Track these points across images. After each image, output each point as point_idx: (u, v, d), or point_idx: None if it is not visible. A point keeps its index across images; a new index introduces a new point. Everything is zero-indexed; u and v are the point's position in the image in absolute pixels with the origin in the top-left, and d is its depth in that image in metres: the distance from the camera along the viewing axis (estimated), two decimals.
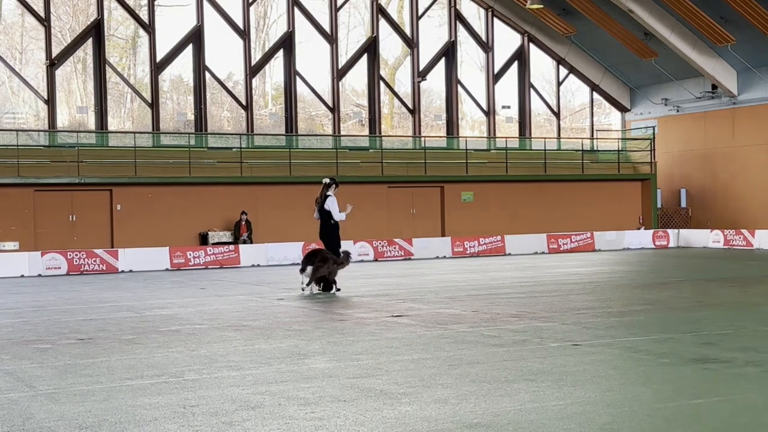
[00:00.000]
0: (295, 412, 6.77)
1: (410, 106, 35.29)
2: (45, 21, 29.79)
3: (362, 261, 27.31)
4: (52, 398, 7.44)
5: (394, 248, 28.49)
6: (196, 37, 31.81)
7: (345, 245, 27.86)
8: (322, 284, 16.63)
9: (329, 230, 17.09)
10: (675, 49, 32.94)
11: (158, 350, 10.02)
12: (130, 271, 24.81)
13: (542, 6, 33.50)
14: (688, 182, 36.54)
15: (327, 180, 17.41)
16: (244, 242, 28.11)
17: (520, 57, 37.05)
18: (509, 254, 29.75)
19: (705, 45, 33.09)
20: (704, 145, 35.82)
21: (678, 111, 36.60)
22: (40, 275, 23.92)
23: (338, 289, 16.76)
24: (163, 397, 7.39)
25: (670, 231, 33.42)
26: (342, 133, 33.84)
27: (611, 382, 7.73)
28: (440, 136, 35.69)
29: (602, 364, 8.66)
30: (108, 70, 30.73)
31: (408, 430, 6.21)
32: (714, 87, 34.72)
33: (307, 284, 16.49)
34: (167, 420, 6.61)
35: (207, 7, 31.88)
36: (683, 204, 36.71)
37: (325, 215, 17.11)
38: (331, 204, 17.03)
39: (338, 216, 17.04)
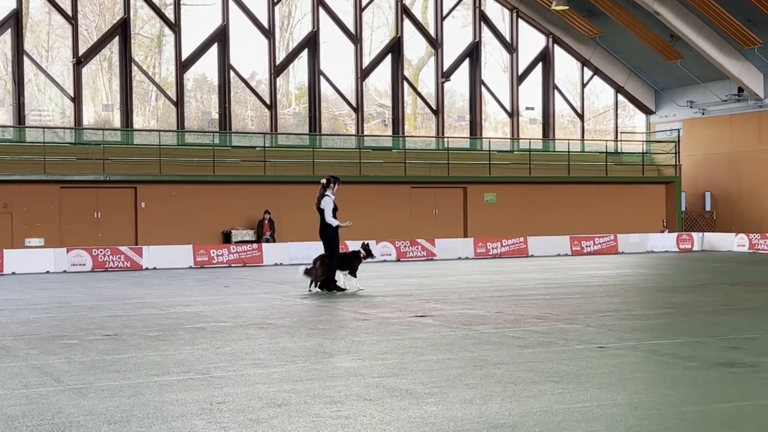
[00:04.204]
0: (321, 411, 6.79)
1: (434, 106, 35.28)
2: (72, 19, 30.03)
3: (385, 261, 27.34)
4: (80, 393, 7.50)
5: (417, 248, 28.48)
6: (221, 36, 31.95)
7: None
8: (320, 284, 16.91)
9: (327, 229, 17.06)
10: (701, 52, 32.73)
11: (184, 347, 10.08)
12: (154, 268, 24.96)
13: (567, 7, 33.39)
14: (713, 185, 36.30)
15: (324, 180, 17.30)
16: (267, 241, 28.19)
17: (545, 58, 36.95)
18: (532, 256, 29.68)
19: (731, 47, 32.86)
20: (730, 148, 35.57)
21: (703, 114, 36.37)
22: (65, 271, 24.10)
23: (342, 289, 16.84)
24: (190, 394, 7.43)
25: (694, 234, 33.20)
26: (365, 133, 33.88)
27: (637, 385, 7.70)
28: (463, 137, 35.66)
29: (628, 366, 8.62)
30: (133, 68, 30.93)
31: (434, 429, 6.22)
32: (740, 90, 34.47)
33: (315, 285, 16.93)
34: (194, 416, 6.65)
35: (232, 7, 32.02)
36: (708, 207, 36.47)
37: (322, 213, 17.06)
38: (326, 204, 16.94)
39: (329, 219, 16.86)
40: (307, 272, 16.95)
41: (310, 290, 16.87)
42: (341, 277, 17.05)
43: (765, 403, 7.00)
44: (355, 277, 17.25)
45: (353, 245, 27.06)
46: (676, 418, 6.50)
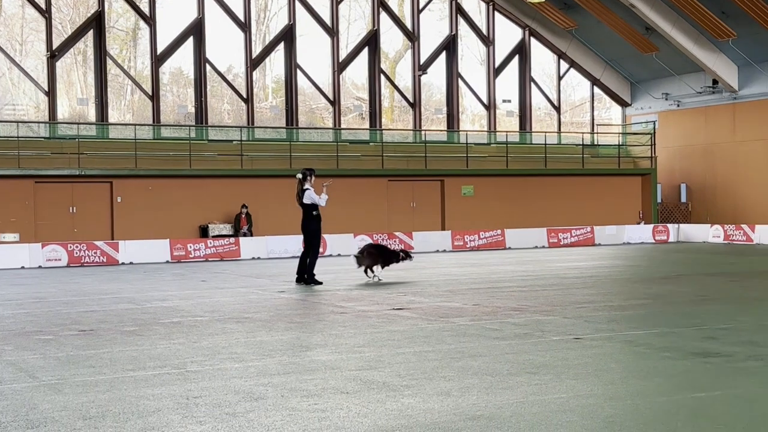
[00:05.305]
0: (298, 404, 6.78)
1: (411, 99, 35.27)
2: (45, 12, 29.76)
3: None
4: (55, 389, 7.45)
5: (395, 242, 28.46)
6: (196, 30, 31.78)
7: (345, 238, 27.99)
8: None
9: (311, 222, 17.13)
10: (676, 44, 32.92)
11: (160, 342, 10.04)
12: (131, 263, 24.82)
13: (543, 0, 33.45)
14: (689, 177, 36.55)
15: (300, 175, 17.34)
16: (245, 235, 28.12)
17: (521, 51, 37.02)
18: (509, 248, 29.77)
19: (706, 40, 33.07)
20: (705, 140, 35.82)
21: (679, 106, 36.60)
22: (40, 267, 23.92)
23: (320, 283, 16.96)
24: (166, 388, 7.40)
25: (670, 226, 33.43)
26: (342, 126, 33.83)
27: (613, 376, 7.75)
28: (441, 130, 35.69)
29: (604, 357, 8.67)
30: (108, 61, 30.71)
31: (411, 422, 6.22)
32: (715, 82, 34.72)
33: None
34: (170, 411, 6.62)
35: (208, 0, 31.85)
36: (683, 199, 36.73)
37: (307, 207, 17.14)
38: (311, 196, 17.03)
39: (322, 202, 17.12)
40: (357, 260, 17.81)
41: (369, 277, 17.60)
42: (378, 270, 17.75)
43: (738, 393, 7.07)
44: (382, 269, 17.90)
45: (337, 238, 27.14)
46: (651, 407, 6.55)
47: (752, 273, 19.00)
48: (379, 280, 17.48)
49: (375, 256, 17.74)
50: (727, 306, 12.97)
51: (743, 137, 34.38)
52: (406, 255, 18.20)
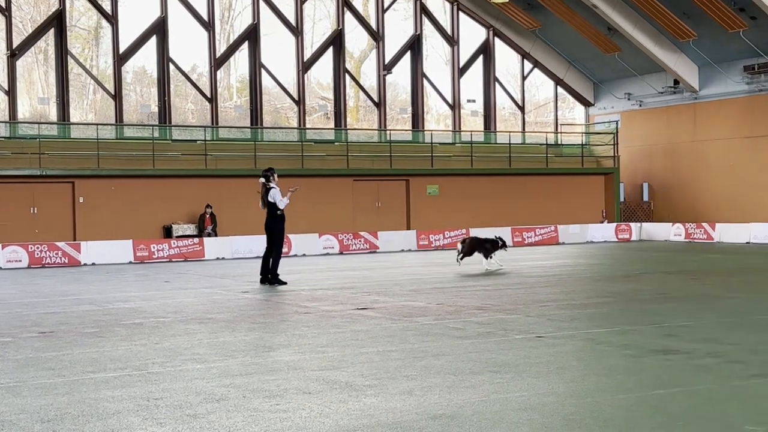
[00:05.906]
0: (260, 405, 6.76)
1: (376, 99, 35.28)
2: (5, 11, 29.38)
3: (327, 254, 27.32)
4: (13, 391, 7.36)
5: (360, 241, 28.49)
6: (160, 29, 31.54)
7: (310, 238, 27.94)
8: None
9: (275, 222, 17.13)
10: (638, 44, 33.24)
11: (121, 343, 9.95)
12: (93, 264, 24.58)
13: (507, 0, 33.61)
14: (651, 176, 36.91)
15: (262, 179, 17.31)
16: (209, 235, 27.96)
17: (485, 51, 37.18)
18: None
19: (667, 40, 33.43)
20: (666, 140, 36.20)
21: (641, 105, 36.95)
22: (0, 268, 23.61)
23: (284, 283, 16.97)
24: (127, 390, 7.34)
25: (632, 224, 33.73)
26: (307, 126, 33.76)
27: (574, 374, 7.80)
28: (405, 130, 35.73)
29: (565, 355, 8.73)
30: (70, 61, 30.39)
31: (373, 421, 6.22)
32: (676, 82, 35.10)
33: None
34: (131, 413, 6.57)
35: None
36: (645, 198, 37.08)
37: (271, 207, 17.12)
38: (274, 194, 17.04)
39: (281, 204, 16.99)
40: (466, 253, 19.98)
41: (492, 265, 19.80)
42: (484, 261, 19.80)
43: (697, 389, 7.15)
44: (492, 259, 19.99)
45: (302, 238, 27.06)
46: (612, 405, 6.60)
47: (712, 271, 19.23)
48: (499, 266, 19.94)
49: (484, 246, 19.91)
50: (687, 304, 13.12)
51: (704, 137, 34.79)
52: (503, 243, 20.29)
